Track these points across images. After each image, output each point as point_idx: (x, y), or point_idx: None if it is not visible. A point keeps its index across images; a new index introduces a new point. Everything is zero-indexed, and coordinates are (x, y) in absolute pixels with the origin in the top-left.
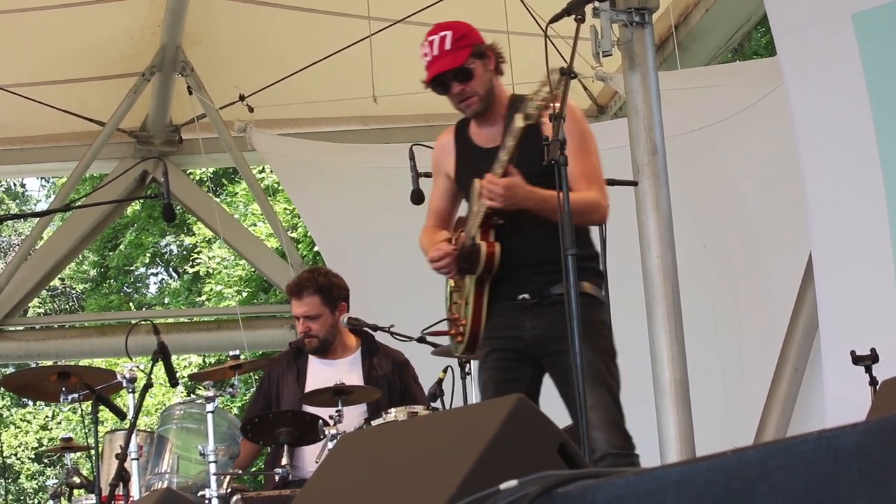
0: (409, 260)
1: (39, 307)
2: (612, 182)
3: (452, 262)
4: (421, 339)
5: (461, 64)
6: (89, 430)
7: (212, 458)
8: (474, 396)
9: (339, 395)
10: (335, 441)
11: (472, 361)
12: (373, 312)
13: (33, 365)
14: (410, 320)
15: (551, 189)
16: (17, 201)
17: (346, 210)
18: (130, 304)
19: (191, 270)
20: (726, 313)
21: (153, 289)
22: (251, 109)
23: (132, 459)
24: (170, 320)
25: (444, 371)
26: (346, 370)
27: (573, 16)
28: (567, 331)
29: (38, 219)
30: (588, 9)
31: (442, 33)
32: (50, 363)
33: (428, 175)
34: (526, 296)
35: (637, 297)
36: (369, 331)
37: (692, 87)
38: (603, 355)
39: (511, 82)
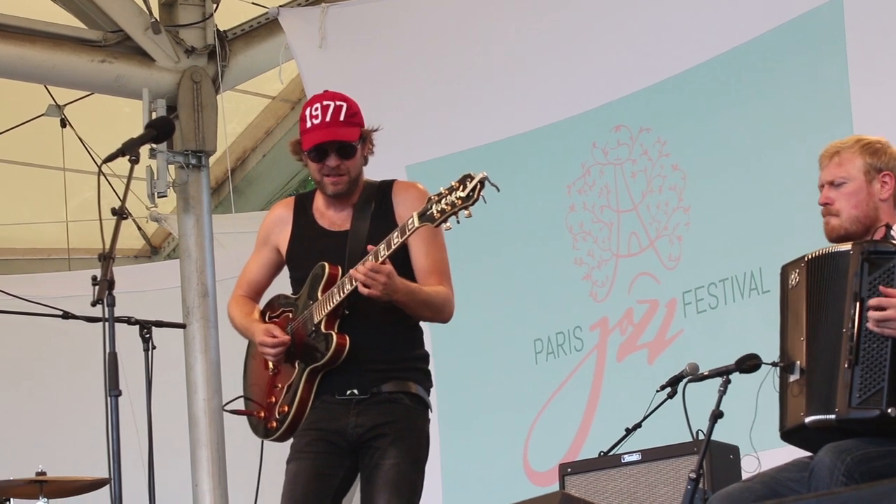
0: None
1: None
2: (159, 324)
3: (286, 349)
4: None
5: (351, 140)
6: None
7: None
8: None
9: None
10: None
11: None
12: None
13: None
14: None
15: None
16: None
17: None
18: None
19: None
20: None
21: None
22: None
23: None
24: None
25: None
26: None
27: (127, 156)
28: (389, 430)
29: None
30: (145, 149)
31: (338, 102)
32: None
33: None
34: (355, 391)
35: (183, 441)
36: None
37: (246, 231)
38: (415, 466)
39: (65, 219)
